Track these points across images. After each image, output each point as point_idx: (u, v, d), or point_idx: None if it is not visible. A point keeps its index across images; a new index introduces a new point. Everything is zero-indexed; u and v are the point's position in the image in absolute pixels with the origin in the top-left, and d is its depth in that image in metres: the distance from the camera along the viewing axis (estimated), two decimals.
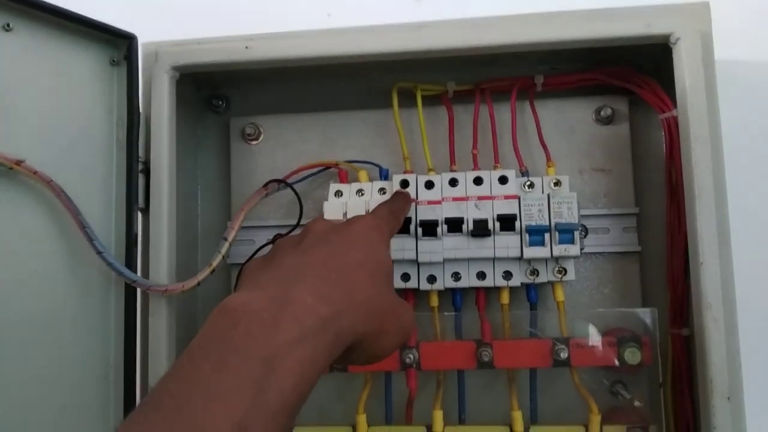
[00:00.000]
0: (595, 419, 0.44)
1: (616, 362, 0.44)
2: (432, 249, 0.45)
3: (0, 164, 0.39)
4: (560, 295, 0.46)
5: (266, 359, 0.26)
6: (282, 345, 0.26)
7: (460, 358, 0.46)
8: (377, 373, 0.48)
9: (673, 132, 0.44)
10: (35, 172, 0.41)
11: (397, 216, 0.43)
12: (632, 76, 0.47)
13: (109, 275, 0.45)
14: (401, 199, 0.45)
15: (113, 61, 0.47)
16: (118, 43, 0.47)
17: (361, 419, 0.46)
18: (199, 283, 0.44)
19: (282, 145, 0.53)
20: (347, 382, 0.50)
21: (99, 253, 0.43)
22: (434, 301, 0.48)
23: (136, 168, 0.46)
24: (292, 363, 0.26)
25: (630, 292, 0.49)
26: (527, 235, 0.44)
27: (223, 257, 0.45)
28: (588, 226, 0.48)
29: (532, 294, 0.47)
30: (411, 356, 0.46)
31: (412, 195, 0.46)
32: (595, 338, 0.44)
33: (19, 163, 0.40)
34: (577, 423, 0.44)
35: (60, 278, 0.44)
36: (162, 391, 0.26)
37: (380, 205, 0.44)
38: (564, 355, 0.44)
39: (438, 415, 0.45)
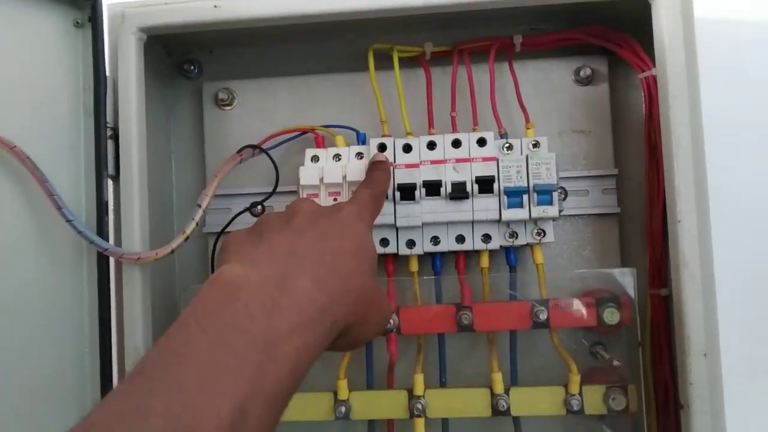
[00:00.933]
0: (575, 379, 0.44)
1: (595, 322, 0.44)
2: (410, 213, 0.45)
3: None
4: (539, 257, 0.46)
5: (267, 343, 0.25)
6: (283, 331, 0.26)
7: (441, 322, 0.45)
8: None
9: (653, 91, 0.44)
10: None
11: (379, 200, 0.42)
12: (612, 35, 0.47)
13: (81, 244, 0.44)
14: (382, 180, 0.43)
15: (77, 23, 0.45)
16: (81, 4, 0.45)
17: (342, 384, 0.46)
18: (173, 251, 0.43)
19: (256, 110, 0.52)
20: None
21: (68, 221, 0.42)
22: (414, 266, 0.47)
23: (104, 134, 0.44)
24: (291, 350, 0.26)
25: (609, 254, 0.49)
26: (506, 197, 0.44)
27: (197, 224, 0.44)
28: (567, 189, 0.48)
29: (512, 257, 0.47)
30: (391, 321, 0.45)
31: (390, 159, 0.46)
32: (574, 300, 0.44)
33: None
34: (557, 384, 0.45)
35: (29, 248, 0.43)
36: (154, 362, 0.25)
37: (361, 188, 0.42)
38: (543, 316, 0.44)
39: (419, 379, 0.45)
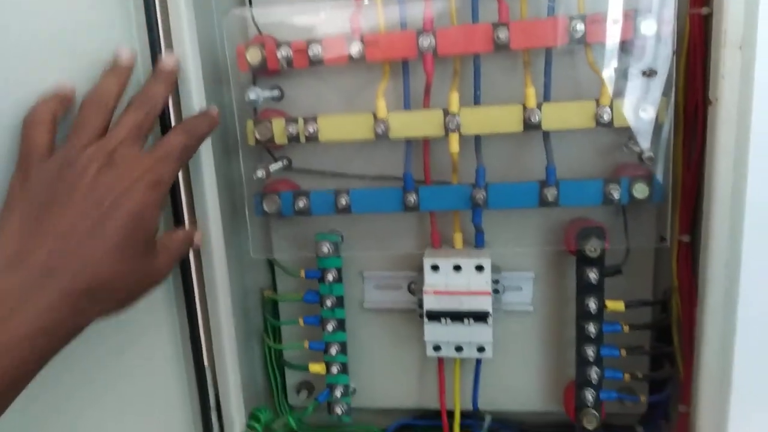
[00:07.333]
0: (606, 91, 0.45)
1: (632, 35, 0.44)
2: None
3: None
4: None
5: None
6: (16, 336, 0.31)
7: (477, 41, 0.46)
8: (395, 62, 0.49)
9: None
10: None
11: (191, 150, 0.43)
12: None
13: None
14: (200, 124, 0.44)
15: None
16: None
17: (381, 105, 0.48)
18: None
19: None
20: (367, 72, 0.51)
21: None
22: None
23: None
24: (26, 352, 0.31)
25: None
26: None
27: None
28: None
29: None
30: (427, 42, 0.46)
31: None
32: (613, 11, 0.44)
33: None
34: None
35: None
36: None
37: (175, 133, 0.42)
38: (580, 28, 0.44)
39: (454, 98, 0.47)
